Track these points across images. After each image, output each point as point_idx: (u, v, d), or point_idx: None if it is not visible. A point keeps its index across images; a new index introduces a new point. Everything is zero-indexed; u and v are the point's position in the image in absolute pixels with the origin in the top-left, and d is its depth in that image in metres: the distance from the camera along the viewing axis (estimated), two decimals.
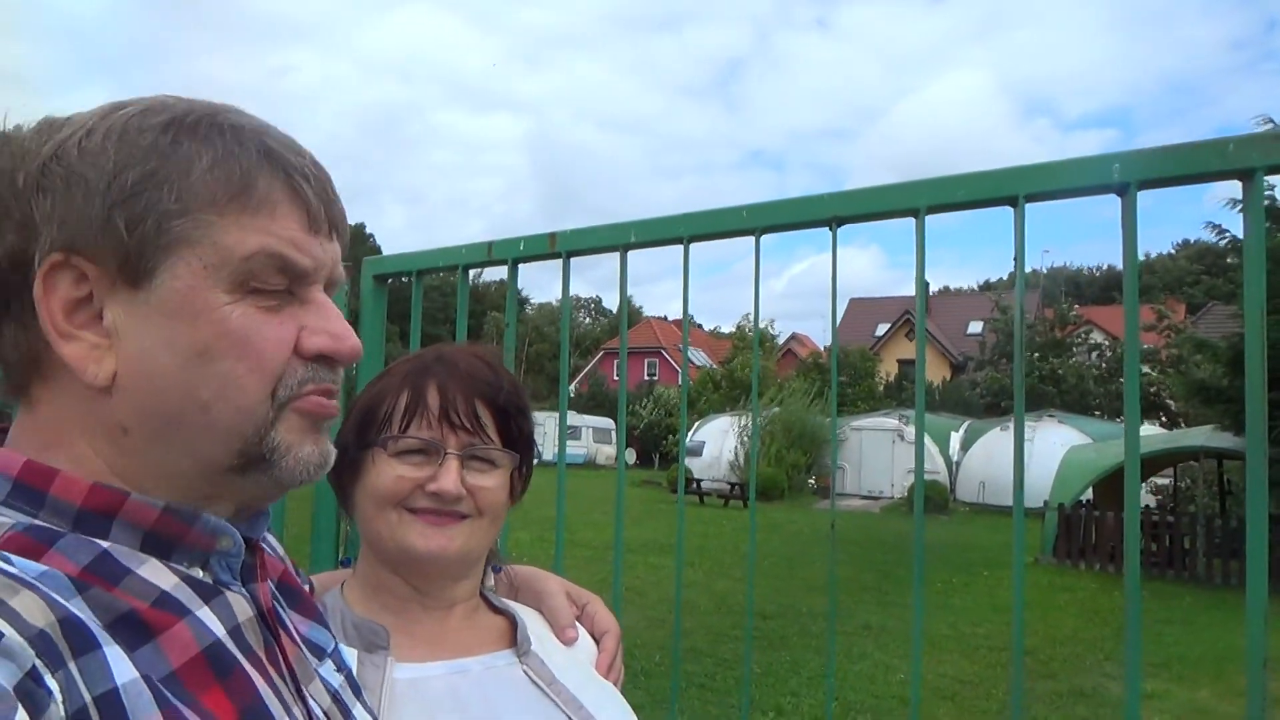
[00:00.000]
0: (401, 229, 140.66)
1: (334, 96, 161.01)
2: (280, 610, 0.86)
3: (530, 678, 1.13)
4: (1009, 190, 1.38)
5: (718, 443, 29.49)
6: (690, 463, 28.53)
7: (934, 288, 59.77)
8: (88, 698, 0.58)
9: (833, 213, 1.55)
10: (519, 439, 1.17)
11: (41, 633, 0.58)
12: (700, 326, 68.48)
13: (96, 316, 0.71)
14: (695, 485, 24.28)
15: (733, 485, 23.99)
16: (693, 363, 51.19)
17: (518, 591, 1.31)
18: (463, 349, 1.21)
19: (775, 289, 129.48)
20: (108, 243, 0.70)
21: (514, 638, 1.18)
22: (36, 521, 0.67)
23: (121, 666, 0.61)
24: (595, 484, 23.25)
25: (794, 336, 52.54)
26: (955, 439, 26.92)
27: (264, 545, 0.87)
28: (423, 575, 1.13)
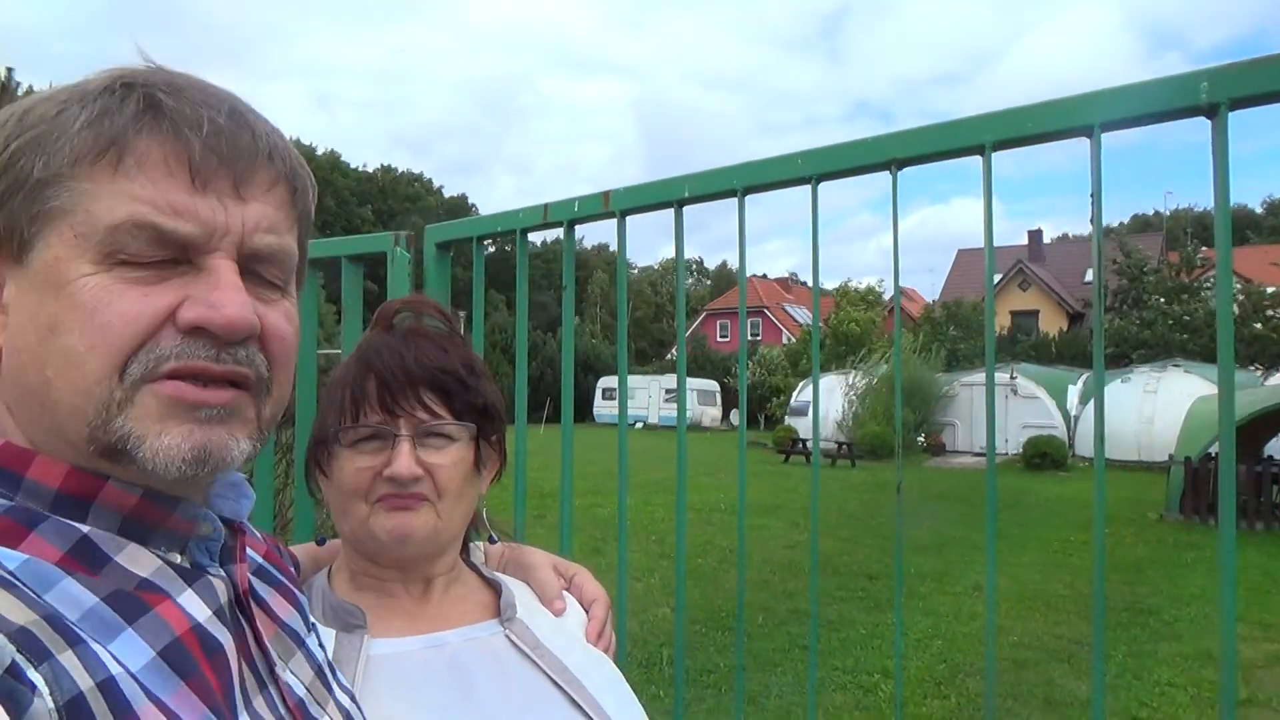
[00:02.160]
0: (510, 198, 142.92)
1: (444, 71, 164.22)
2: (258, 591, 0.84)
3: (514, 643, 1.12)
4: (1081, 119, 1.25)
5: (823, 402, 29.11)
6: (796, 422, 28.32)
7: (1049, 235, 57.09)
8: (84, 685, 0.57)
9: (891, 155, 1.45)
10: (473, 409, 1.14)
11: (22, 628, 0.57)
12: (804, 284, 67.41)
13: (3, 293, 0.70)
14: (801, 445, 24.08)
15: (839, 445, 23.66)
16: (795, 320, 50.51)
17: (506, 566, 1.31)
18: (419, 330, 1.19)
19: (885, 243, 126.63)
20: None
21: (498, 607, 1.18)
22: (15, 504, 0.67)
23: (109, 660, 0.61)
24: (699, 447, 23.24)
25: (901, 291, 51.20)
26: (1073, 392, 25.85)
27: (245, 526, 0.86)
28: (395, 558, 1.13)
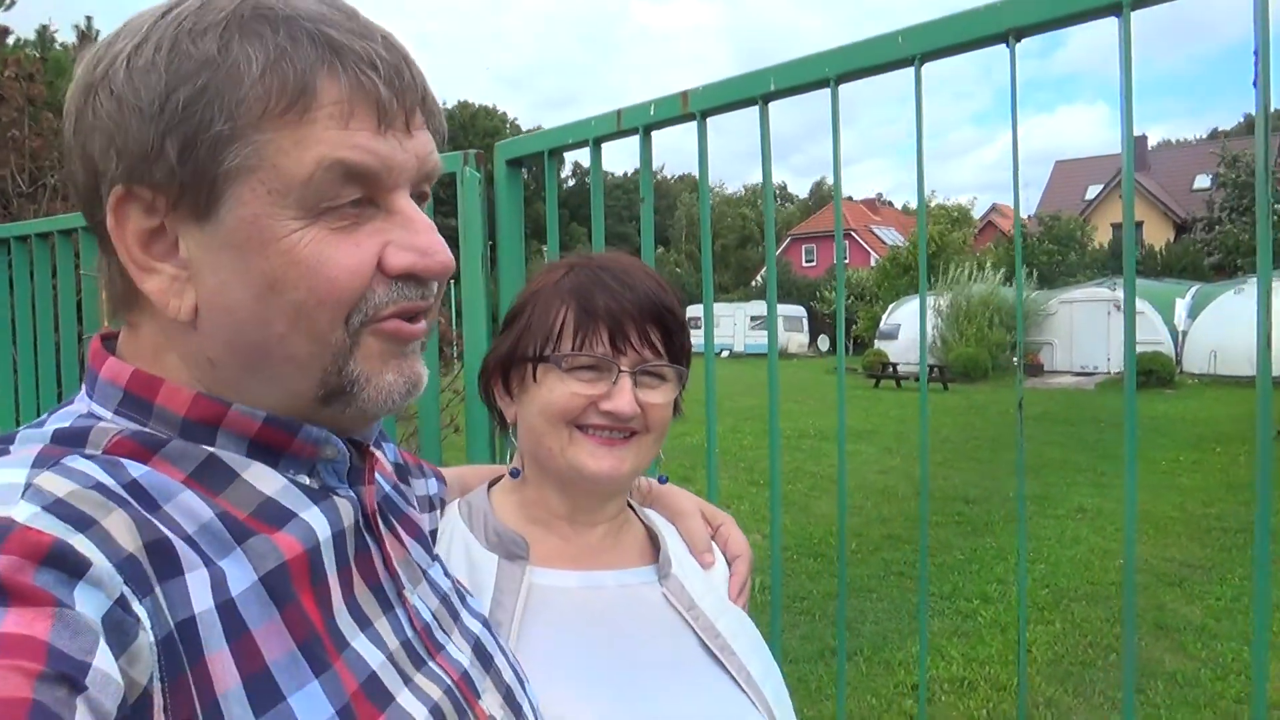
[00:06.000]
0: None
1: (537, 5, 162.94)
2: (388, 514, 0.86)
3: (669, 601, 1.12)
4: None
5: (914, 325, 28.47)
6: (887, 346, 27.82)
7: (1152, 140, 53.87)
8: (172, 624, 0.58)
9: (1008, 24, 1.26)
10: (684, 352, 1.14)
11: (130, 556, 0.57)
12: (890, 204, 65.65)
13: (174, 246, 0.68)
14: (892, 369, 23.68)
15: (931, 368, 23.14)
16: (884, 242, 49.28)
17: (653, 504, 1.29)
18: (622, 258, 1.17)
19: (987, 159, 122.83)
20: (164, 173, 0.65)
21: (655, 554, 1.17)
22: (145, 429, 0.69)
23: (201, 594, 0.61)
24: (786, 373, 23.04)
25: (995, 208, 49.18)
26: (1181, 306, 24.67)
27: (377, 451, 0.87)
28: (587, 494, 1.13)
